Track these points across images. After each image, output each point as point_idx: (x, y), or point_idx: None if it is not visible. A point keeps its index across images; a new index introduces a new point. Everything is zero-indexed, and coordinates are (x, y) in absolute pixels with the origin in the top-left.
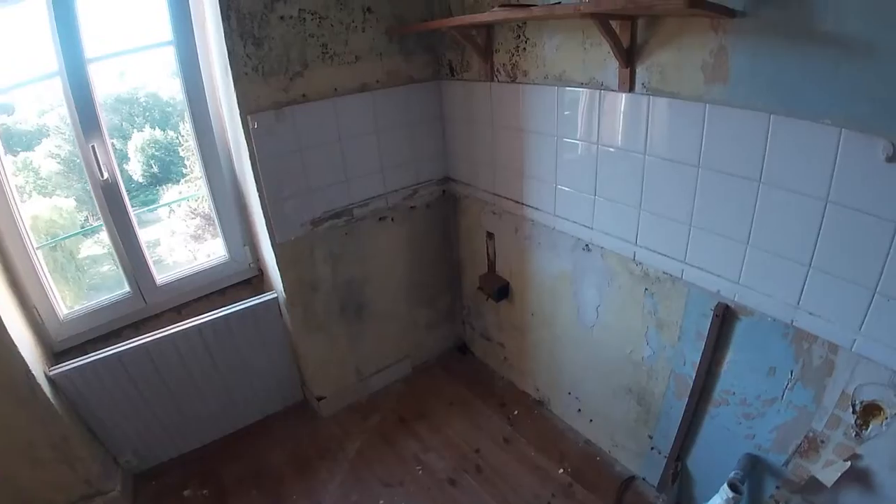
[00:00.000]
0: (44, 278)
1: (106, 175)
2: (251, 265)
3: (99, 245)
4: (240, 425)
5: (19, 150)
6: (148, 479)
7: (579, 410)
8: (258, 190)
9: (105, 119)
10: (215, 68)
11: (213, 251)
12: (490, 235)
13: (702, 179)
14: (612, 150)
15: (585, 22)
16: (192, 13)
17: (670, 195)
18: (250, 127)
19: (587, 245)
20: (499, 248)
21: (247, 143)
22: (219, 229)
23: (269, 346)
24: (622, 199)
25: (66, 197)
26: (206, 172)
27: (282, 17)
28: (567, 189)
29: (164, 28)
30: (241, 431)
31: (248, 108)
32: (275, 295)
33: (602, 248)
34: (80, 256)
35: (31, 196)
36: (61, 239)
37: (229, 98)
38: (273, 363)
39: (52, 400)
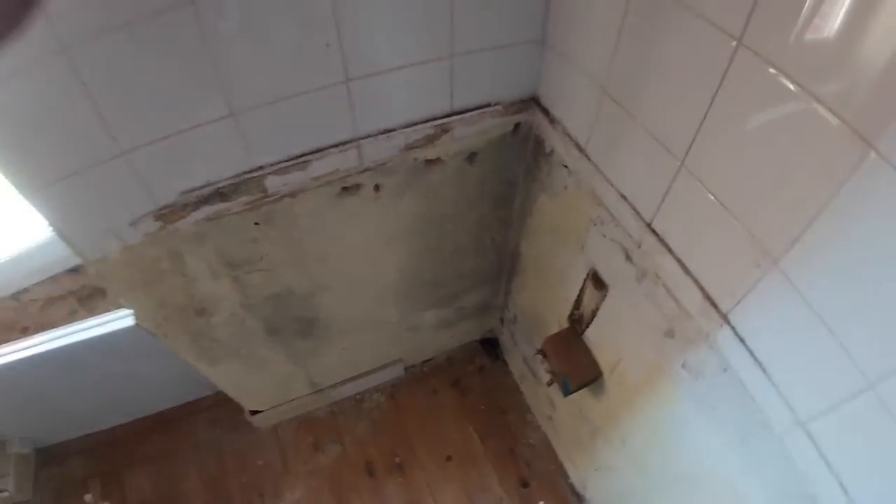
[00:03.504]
0: None
1: None
2: None
3: None
4: (151, 411)
5: None
6: (50, 464)
7: None
8: None
9: None
10: None
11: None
12: (598, 281)
13: None
14: None
15: None
16: None
17: None
18: None
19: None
20: (605, 315)
21: None
22: None
23: (157, 358)
24: None
25: None
26: None
27: None
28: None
29: None
30: (158, 415)
31: None
32: (132, 318)
33: None
34: None
35: None
36: None
37: None
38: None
39: None
